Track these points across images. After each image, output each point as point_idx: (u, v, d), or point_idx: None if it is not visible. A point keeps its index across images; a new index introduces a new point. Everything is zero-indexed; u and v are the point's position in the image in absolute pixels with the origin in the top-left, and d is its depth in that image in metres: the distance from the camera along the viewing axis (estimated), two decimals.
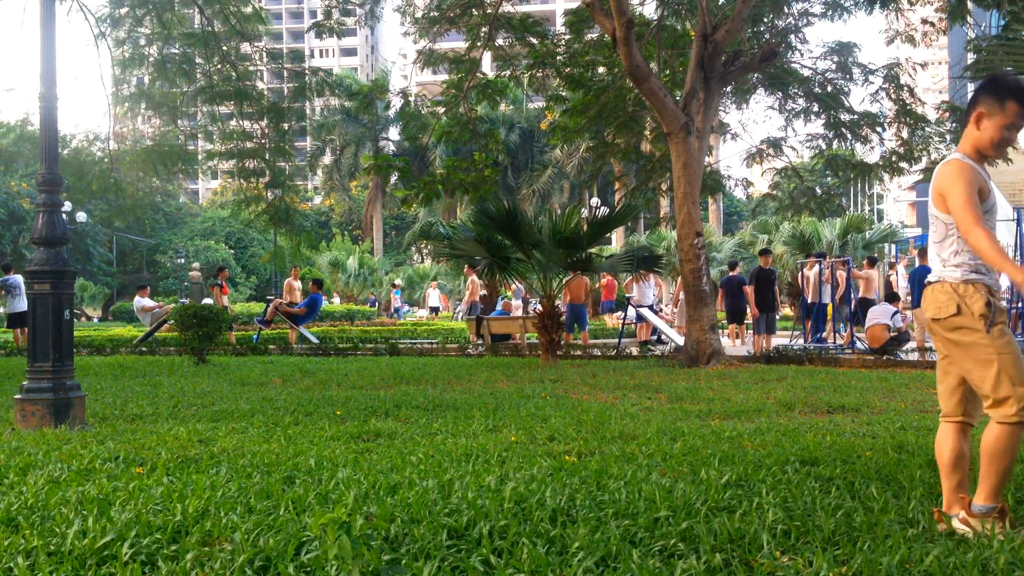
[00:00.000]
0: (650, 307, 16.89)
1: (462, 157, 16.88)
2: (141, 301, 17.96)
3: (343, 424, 5.85)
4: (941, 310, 3.03)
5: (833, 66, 14.71)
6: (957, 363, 3.07)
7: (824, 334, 15.74)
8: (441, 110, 16.17)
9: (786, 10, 14.39)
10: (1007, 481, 3.05)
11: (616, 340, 16.39)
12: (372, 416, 6.27)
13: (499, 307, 20.53)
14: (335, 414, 6.37)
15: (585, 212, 15.28)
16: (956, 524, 3.00)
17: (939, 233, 3.10)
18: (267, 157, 15.55)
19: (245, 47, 15.68)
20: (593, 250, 13.87)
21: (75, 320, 9.47)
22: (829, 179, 20.52)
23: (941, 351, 3.14)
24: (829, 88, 14.71)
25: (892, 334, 12.58)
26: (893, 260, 24.08)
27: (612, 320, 22.31)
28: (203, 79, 15.10)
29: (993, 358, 2.93)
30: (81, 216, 36.94)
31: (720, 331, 18.62)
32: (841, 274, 16.32)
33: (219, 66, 14.78)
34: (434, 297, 34.35)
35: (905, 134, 14.99)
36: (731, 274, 15.79)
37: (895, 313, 12.88)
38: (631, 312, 17.23)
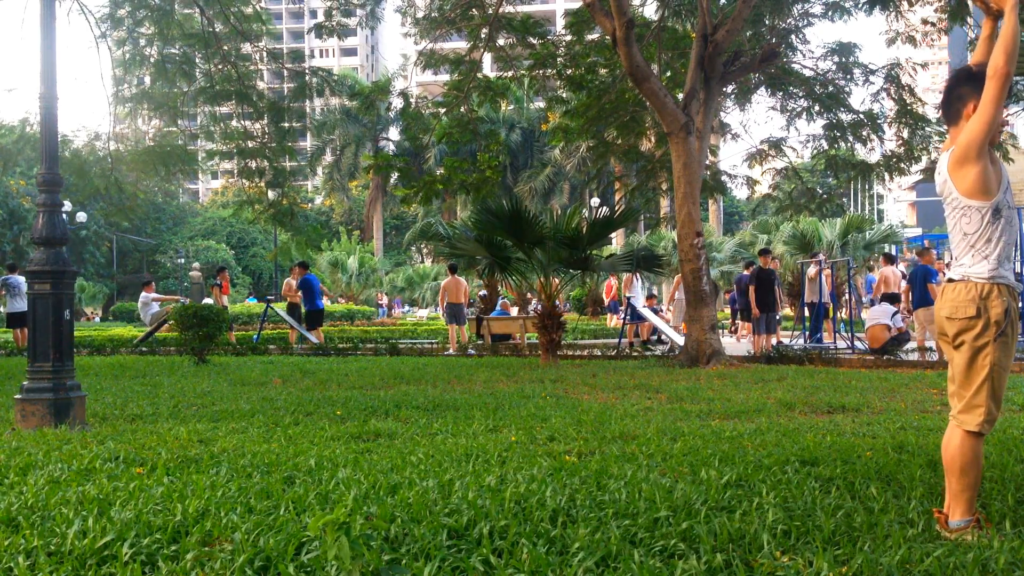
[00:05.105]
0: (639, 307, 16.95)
1: (462, 158, 16.89)
2: (150, 295, 17.92)
3: (343, 424, 5.85)
4: (959, 311, 2.99)
5: (834, 66, 14.71)
6: (952, 360, 3.07)
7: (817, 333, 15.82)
8: (442, 111, 16.17)
9: (786, 11, 14.39)
10: (978, 491, 3.05)
11: (616, 340, 16.41)
12: (372, 416, 6.27)
13: (498, 307, 20.54)
14: (335, 414, 6.37)
15: (586, 213, 15.26)
16: (946, 534, 3.00)
17: (973, 222, 2.99)
18: (268, 156, 15.54)
19: (245, 47, 15.67)
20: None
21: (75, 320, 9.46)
22: (830, 179, 20.51)
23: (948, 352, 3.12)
24: (830, 88, 14.71)
25: (892, 334, 12.58)
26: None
27: (615, 321, 22.34)
28: (203, 79, 15.09)
29: (987, 368, 2.94)
30: (81, 216, 36.94)
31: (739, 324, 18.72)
32: (826, 273, 16.36)
33: (219, 66, 14.77)
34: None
35: (905, 134, 15.00)
36: (745, 272, 15.90)
37: (895, 313, 12.88)
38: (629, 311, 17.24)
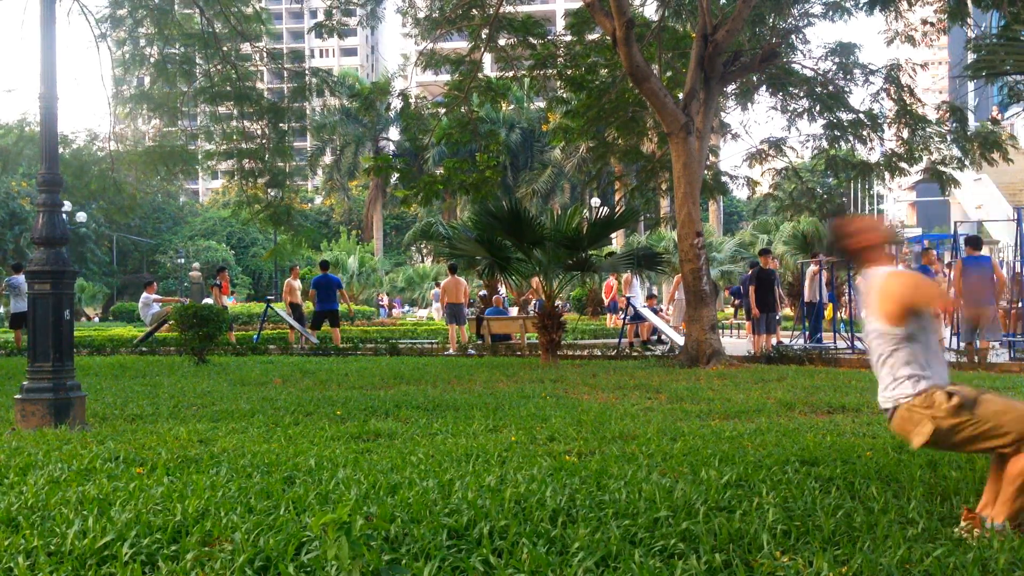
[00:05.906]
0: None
1: (462, 158, 16.89)
2: (151, 296, 17.89)
3: (343, 424, 5.85)
4: (922, 432, 3.03)
5: (834, 66, 14.72)
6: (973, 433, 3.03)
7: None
8: (442, 111, 16.17)
9: (786, 11, 14.40)
10: None
11: (616, 340, 16.41)
12: (372, 416, 6.27)
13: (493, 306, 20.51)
14: (335, 414, 6.37)
15: (586, 213, 15.26)
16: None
17: (887, 344, 3.09)
18: (267, 157, 15.55)
19: (245, 47, 15.68)
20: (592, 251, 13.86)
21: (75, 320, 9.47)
22: (830, 179, 20.52)
23: None
24: (830, 88, 14.72)
25: None
26: None
27: (615, 321, 22.39)
28: (203, 79, 15.10)
29: (984, 425, 2.93)
30: (81, 216, 36.94)
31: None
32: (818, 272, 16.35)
33: (219, 66, 14.78)
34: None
35: (905, 134, 15.00)
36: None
37: None
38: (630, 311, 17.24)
